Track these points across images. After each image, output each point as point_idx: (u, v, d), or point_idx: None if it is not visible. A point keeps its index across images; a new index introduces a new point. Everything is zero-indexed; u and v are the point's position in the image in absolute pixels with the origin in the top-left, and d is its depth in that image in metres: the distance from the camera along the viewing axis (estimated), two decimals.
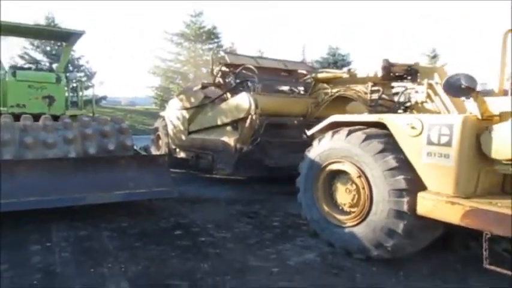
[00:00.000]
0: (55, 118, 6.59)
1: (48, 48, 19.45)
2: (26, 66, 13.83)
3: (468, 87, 3.31)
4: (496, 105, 3.42)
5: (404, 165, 3.79)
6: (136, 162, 6.05)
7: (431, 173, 3.59)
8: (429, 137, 3.59)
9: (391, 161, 3.85)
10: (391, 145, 3.93)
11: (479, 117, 3.40)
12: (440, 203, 3.46)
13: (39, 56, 19.19)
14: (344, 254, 4.29)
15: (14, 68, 7.77)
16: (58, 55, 18.97)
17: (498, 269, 3.18)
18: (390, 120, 4.01)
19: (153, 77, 27.60)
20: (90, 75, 18.44)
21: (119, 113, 12.16)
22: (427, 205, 3.57)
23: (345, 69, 7.02)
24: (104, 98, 19.78)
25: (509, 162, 3.26)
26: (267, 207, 6.35)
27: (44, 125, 6.09)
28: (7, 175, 5.02)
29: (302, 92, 7.86)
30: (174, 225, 5.32)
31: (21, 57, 18.72)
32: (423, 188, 3.66)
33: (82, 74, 17.89)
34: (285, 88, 8.42)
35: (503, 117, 3.33)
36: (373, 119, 4.22)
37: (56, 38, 10.73)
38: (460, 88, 3.35)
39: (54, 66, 17.51)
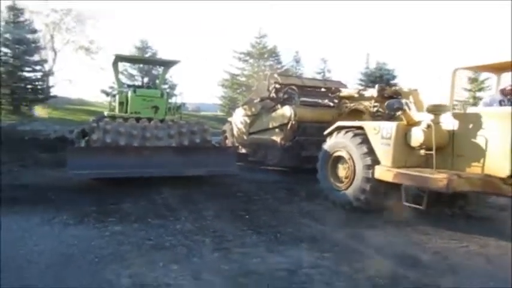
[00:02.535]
0: (160, 121, 9.91)
1: (141, 65, 24.09)
2: (137, 84, 18.31)
3: (398, 108, 6.04)
4: (416, 116, 6.09)
5: (371, 151, 6.50)
6: (214, 151, 9.23)
7: (382, 154, 6.29)
8: (382, 134, 6.30)
9: (364, 149, 6.58)
10: (365, 140, 6.66)
11: (405, 123, 6.09)
12: (385, 171, 6.15)
13: (134, 72, 23.74)
14: (339, 207, 7.01)
15: (133, 87, 11.23)
16: (146, 70, 23.43)
17: (412, 205, 5.84)
18: (365, 125, 6.77)
19: (221, 88, 31.72)
20: (172, 87, 22.47)
21: (193, 118, 15.25)
22: (380, 172, 6.25)
23: (356, 89, 9.64)
24: (184, 105, 23.78)
25: (420, 148, 5.90)
26: (300, 185, 9.14)
27: (156, 126, 9.41)
28: (136, 156, 8.31)
29: (332, 104, 10.59)
30: (237, 191, 8.28)
31: (121, 72, 23.35)
32: (378, 163, 6.35)
33: (167, 86, 22.00)
34: (323, 101, 11.21)
35: (417, 123, 5.99)
36: (358, 124, 6.98)
37: (158, 64, 14.39)
38: (394, 108, 6.09)
39: (145, 79, 21.86)
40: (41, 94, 19.92)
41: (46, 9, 32.30)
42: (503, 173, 5.23)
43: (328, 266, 4.14)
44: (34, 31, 23.88)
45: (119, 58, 11.44)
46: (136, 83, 19.13)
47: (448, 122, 5.81)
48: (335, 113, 9.83)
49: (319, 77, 33.43)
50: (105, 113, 10.97)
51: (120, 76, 13.05)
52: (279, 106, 10.80)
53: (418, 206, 5.84)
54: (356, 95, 9.14)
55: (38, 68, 20.73)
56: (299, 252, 4.58)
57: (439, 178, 5.38)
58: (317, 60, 43.27)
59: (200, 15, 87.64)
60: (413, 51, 75.85)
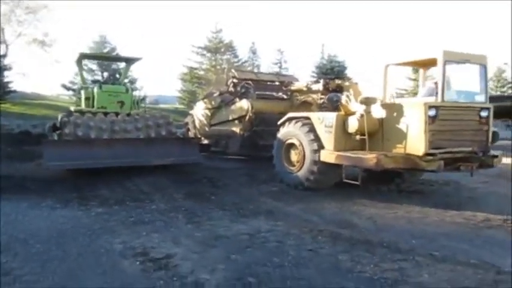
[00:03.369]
0: (126, 115, 10.59)
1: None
2: (98, 79, 18.59)
3: (336, 100, 7.17)
4: (352, 107, 7.25)
5: (317, 138, 7.60)
6: (179, 142, 10.06)
7: (325, 140, 7.41)
8: (325, 123, 7.42)
9: (311, 136, 7.67)
10: (312, 128, 7.75)
11: (343, 113, 7.24)
12: (328, 154, 7.27)
13: (93, 66, 23.87)
14: (293, 188, 8.07)
15: (99, 83, 11.78)
16: (105, 65, 23.76)
17: (350, 181, 7.01)
18: (312, 115, 7.87)
19: (181, 81, 32.37)
20: (132, 81, 22.87)
21: (154, 111, 15.85)
22: (325, 155, 7.37)
23: (305, 83, 10.72)
24: (145, 98, 24.27)
25: (356, 134, 7.07)
26: (258, 170, 10.15)
27: (123, 119, 10.10)
28: (107, 147, 9.01)
29: (286, 97, 11.65)
30: (203, 178, 9.12)
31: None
32: (323, 148, 7.47)
33: (127, 80, 22.31)
34: (277, 94, 12.25)
35: (353, 113, 7.15)
36: (305, 115, 8.06)
37: (121, 61, 14.91)
38: (334, 101, 7.23)
39: (105, 74, 22.20)
40: None
41: None
42: (420, 151, 6.46)
43: (281, 230, 5.17)
44: None
45: (84, 56, 11.96)
46: (96, 78, 19.51)
47: (378, 112, 6.98)
48: (288, 104, 10.90)
49: (276, 67, 34.78)
50: (72, 108, 11.46)
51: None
52: (237, 99, 11.71)
53: (355, 182, 7.04)
54: (305, 89, 10.24)
55: None
56: (258, 222, 5.59)
57: (370, 158, 6.56)
58: (274, 51, 44.71)
59: (157, 10, 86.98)
60: (367, 43, 78.76)
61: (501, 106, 14.48)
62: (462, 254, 4.31)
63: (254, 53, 35.38)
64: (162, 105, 35.88)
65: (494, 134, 19.10)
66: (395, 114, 6.86)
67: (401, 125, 6.76)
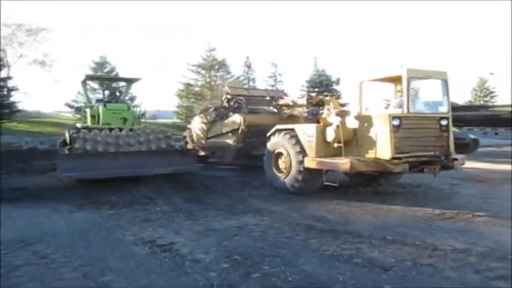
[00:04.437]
0: (129, 130, 11.59)
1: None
2: (100, 97, 19.79)
3: (315, 114, 8.20)
4: (330, 119, 8.28)
5: (301, 148, 8.58)
6: (179, 153, 11.06)
7: (308, 148, 8.41)
8: (307, 133, 8.42)
9: (297, 147, 8.66)
10: (296, 139, 8.76)
11: (322, 124, 8.27)
12: (311, 160, 8.26)
13: (95, 85, 25.08)
14: (281, 192, 9.02)
15: (103, 102, 12.83)
16: (106, 84, 25.04)
17: (330, 183, 7.99)
18: (296, 127, 8.88)
19: (177, 98, 33.74)
20: (132, 98, 23.91)
21: (153, 126, 16.87)
22: (308, 162, 8.35)
23: (290, 98, 11.77)
24: (144, 114, 25.53)
25: (333, 142, 8.07)
26: (250, 178, 11.12)
27: (127, 134, 11.10)
28: (114, 159, 9.99)
29: (275, 111, 12.68)
30: (200, 185, 10.11)
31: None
32: (307, 155, 8.45)
33: (127, 98, 23.44)
34: (268, 108, 13.29)
35: (330, 124, 8.17)
36: (290, 127, 9.08)
37: (123, 81, 16.06)
38: (313, 114, 8.26)
39: (106, 92, 23.35)
40: (6, 109, 20.84)
41: None
42: (387, 156, 7.45)
43: (265, 224, 6.13)
44: None
45: (89, 77, 13.02)
46: (97, 95, 20.65)
47: (351, 123, 7.99)
48: (277, 118, 11.92)
49: (271, 80, 36.04)
50: (79, 125, 12.46)
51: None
52: (231, 114, 12.74)
53: (334, 184, 8.02)
54: (291, 103, 11.29)
55: (1, 84, 21.62)
56: (246, 218, 6.55)
57: (344, 162, 7.55)
58: (268, 65, 46.08)
59: (154, 29, 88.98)
60: (361, 54, 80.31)
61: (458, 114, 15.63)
62: (411, 238, 5.28)
63: (249, 66, 36.65)
64: (160, 120, 36.99)
65: (475, 141, 20.29)
66: (366, 124, 7.87)
67: (372, 134, 7.76)
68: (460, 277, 3.94)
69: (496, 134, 16.03)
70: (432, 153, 7.87)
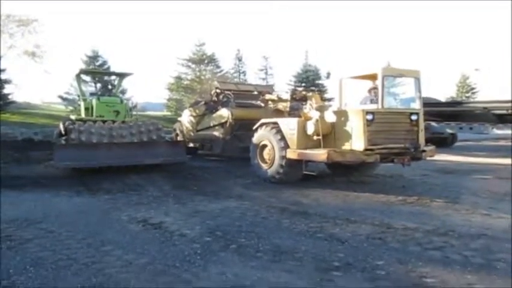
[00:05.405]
0: (122, 122, 12.20)
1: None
2: (97, 91, 20.39)
3: (297, 109, 8.91)
4: (310, 114, 8.99)
5: (284, 140, 9.28)
6: (168, 144, 11.72)
7: (290, 141, 9.12)
8: (289, 127, 9.13)
9: (279, 138, 9.35)
10: (280, 132, 9.47)
11: (303, 119, 8.99)
12: (292, 152, 8.97)
13: (87, 78, 25.58)
14: (264, 181, 9.73)
15: (96, 95, 13.43)
16: (98, 77, 25.60)
17: (308, 172, 8.72)
18: (279, 121, 9.58)
19: (168, 91, 34.38)
20: (123, 91, 24.42)
21: (144, 118, 17.42)
22: (289, 153, 9.06)
23: (276, 94, 12.47)
24: (135, 106, 26.04)
25: (313, 135, 8.79)
26: (236, 168, 11.82)
27: (120, 126, 11.71)
28: (106, 150, 10.61)
29: (262, 105, 13.36)
30: (188, 174, 10.80)
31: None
32: (289, 147, 9.16)
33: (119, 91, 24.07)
34: (255, 102, 13.96)
35: (310, 118, 8.88)
36: (274, 120, 9.78)
37: (115, 75, 16.65)
38: (295, 109, 9.01)
39: (98, 85, 23.87)
40: (0, 100, 21.27)
41: None
42: (361, 147, 8.17)
43: (245, 207, 6.86)
44: None
45: (82, 71, 13.59)
46: (90, 88, 21.21)
47: (330, 117, 8.70)
48: (263, 112, 12.58)
49: (262, 73, 36.72)
50: (73, 117, 13.06)
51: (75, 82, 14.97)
52: (219, 108, 13.41)
53: (311, 173, 8.77)
54: (276, 98, 11.98)
55: None
56: (229, 202, 7.28)
57: (322, 153, 8.26)
58: (259, 58, 46.77)
59: (145, 24, 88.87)
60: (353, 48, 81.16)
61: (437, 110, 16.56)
62: (370, 218, 6.04)
63: (240, 59, 37.21)
64: (150, 113, 37.40)
65: (453, 135, 21.38)
66: (343, 118, 8.59)
67: (348, 127, 8.48)
68: (404, 247, 4.70)
69: (471, 128, 16.88)
70: (403, 145, 8.61)
